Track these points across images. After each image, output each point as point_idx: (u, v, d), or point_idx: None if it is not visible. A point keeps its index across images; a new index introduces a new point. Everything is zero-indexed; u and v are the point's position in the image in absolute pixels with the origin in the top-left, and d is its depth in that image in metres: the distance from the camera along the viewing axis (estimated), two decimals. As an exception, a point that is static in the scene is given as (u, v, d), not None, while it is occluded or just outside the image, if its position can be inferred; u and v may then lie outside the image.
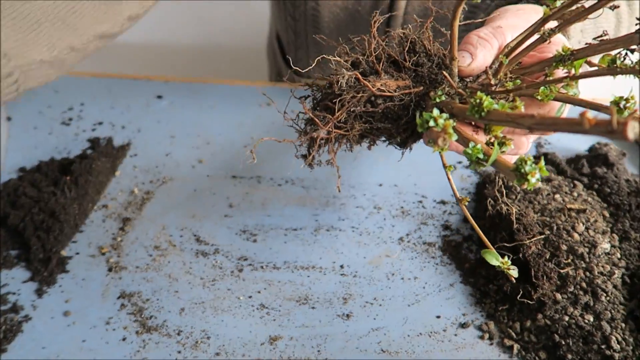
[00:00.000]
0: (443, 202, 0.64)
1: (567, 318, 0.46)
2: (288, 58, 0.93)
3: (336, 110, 0.39)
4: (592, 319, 0.46)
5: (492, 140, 0.34)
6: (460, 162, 0.71)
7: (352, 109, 0.40)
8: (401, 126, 0.42)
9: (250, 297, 0.52)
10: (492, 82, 0.39)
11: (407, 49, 0.41)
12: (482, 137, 0.38)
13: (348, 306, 0.52)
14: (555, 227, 0.53)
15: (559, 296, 0.47)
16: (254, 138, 0.74)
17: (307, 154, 0.43)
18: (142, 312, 0.50)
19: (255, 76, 1.22)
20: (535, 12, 0.45)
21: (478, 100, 0.30)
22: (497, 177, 0.63)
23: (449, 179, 0.42)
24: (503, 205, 0.56)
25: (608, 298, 0.47)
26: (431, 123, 0.30)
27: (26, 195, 0.60)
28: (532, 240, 0.51)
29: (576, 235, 0.52)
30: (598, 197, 0.59)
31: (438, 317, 0.50)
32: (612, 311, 0.46)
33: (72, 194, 0.61)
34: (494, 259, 0.38)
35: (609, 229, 0.54)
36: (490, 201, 0.58)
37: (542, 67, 0.40)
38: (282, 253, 0.57)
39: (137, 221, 0.61)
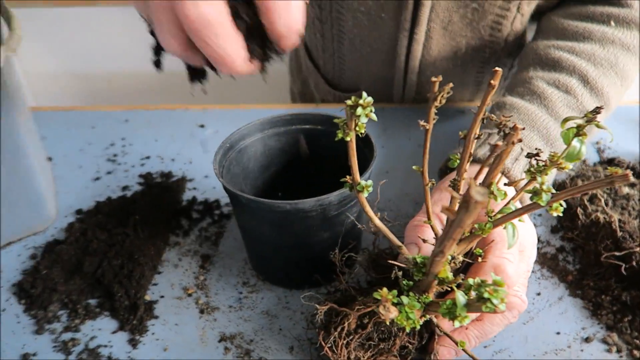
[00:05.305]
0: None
1: (696, 324, 0.46)
2: (318, 63, 0.91)
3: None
4: None
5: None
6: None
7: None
8: None
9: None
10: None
11: None
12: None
13: (461, 330, 0.50)
14: (657, 232, 0.52)
15: (682, 302, 0.46)
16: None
17: None
18: (250, 354, 0.47)
19: (274, 97, 1.20)
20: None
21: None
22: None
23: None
24: (599, 214, 0.55)
25: None
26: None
27: (97, 239, 0.56)
28: (642, 246, 0.50)
29: (681, 239, 0.51)
30: (684, 198, 0.59)
31: (558, 333, 0.49)
32: None
33: (144, 233, 0.57)
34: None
35: None
36: (579, 210, 0.58)
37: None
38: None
39: (216, 257, 0.58)
